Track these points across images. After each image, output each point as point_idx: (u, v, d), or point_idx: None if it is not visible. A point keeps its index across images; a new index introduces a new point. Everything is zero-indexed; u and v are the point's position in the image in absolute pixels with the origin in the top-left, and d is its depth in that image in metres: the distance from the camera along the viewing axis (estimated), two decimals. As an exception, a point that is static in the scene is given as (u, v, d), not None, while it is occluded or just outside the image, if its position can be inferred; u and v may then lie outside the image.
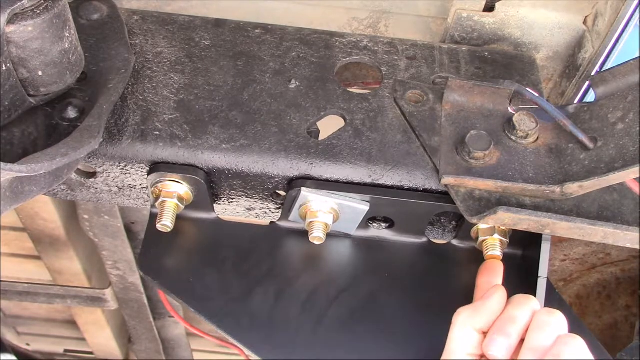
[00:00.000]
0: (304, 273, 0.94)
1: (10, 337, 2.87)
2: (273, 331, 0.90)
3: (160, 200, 0.89)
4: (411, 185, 0.90)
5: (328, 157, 0.89)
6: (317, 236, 0.89)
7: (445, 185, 0.88)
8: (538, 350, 0.71)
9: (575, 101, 1.17)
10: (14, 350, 2.78)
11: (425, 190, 0.90)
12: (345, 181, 0.90)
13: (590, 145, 0.86)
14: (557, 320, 0.75)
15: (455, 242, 0.99)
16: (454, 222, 0.97)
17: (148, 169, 0.89)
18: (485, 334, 0.78)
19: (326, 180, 0.90)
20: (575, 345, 0.71)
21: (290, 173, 0.89)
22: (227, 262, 0.94)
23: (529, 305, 0.78)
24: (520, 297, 0.80)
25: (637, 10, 1.00)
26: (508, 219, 0.83)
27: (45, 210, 1.79)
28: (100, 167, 0.89)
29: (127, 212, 1.82)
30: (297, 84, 0.96)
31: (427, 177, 0.90)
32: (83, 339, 2.76)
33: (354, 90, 0.98)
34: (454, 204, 0.87)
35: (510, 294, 0.96)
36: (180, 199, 0.90)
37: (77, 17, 0.88)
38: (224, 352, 2.87)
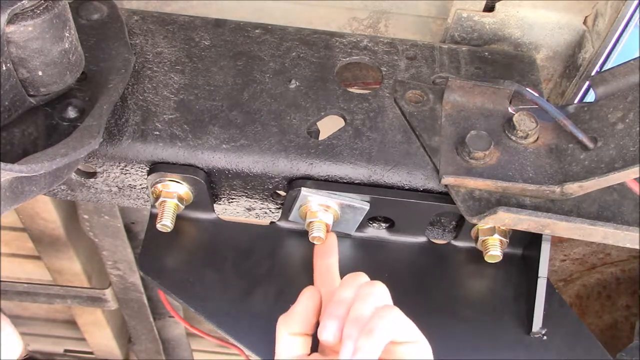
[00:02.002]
0: (304, 273, 0.94)
1: (10, 337, 2.86)
2: (273, 331, 0.90)
3: (160, 200, 0.89)
4: (411, 185, 0.90)
5: (328, 157, 0.89)
6: (317, 236, 0.89)
7: (445, 185, 0.88)
8: (359, 320, 0.73)
9: (575, 101, 1.17)
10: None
11: (425, 190, 0.90)
12: (345, 181, 0.90)
13: (590, 145, 0.86)
14: (377, 290, 0.77)
15: (455, 242, 0.99)
16: (454, 222, 0.97)
17: (148, 169, 0.89)
18: (306, 334, 0.80)
19: (326, 180, 0.90)
20: (389, 317, 0.73)
21: (290, 173, 0.89)
22: (227, 262, 0.94)
23: (356, 282, 0.79)
24: (347, 278, 0.81)
25: (637, 10, 1.00)
26: (508, 219, 0.83)
27: (45, 210, 1.79)
28: (100, 167, 0.89)
29: (127, 212, 1.82)
30: (297, 84, 0.96)
31: (427, 177, 0.90)
32: (83, 339, 2.76)
33: (354, 90, 0.98)
34: (454, 204, 0.87)
35: (509, 295, 0.96)
36: (180, 199, 0.90)
37: (77, 17, 0.88)
38: (224, 352, 2.87)
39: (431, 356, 0.77)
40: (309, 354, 0.81)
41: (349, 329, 0.73)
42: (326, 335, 0.75)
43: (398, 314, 0.75)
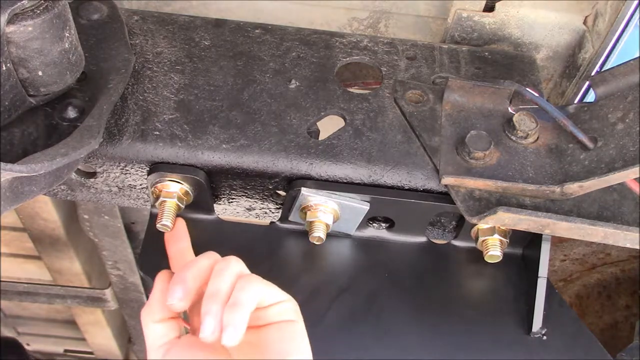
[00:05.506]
0: (304, 273, 0.94)
1: (10, 337, 2.87)
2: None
3: (160, 200, 0.89)
4: (411, 185, 0.90)
5: (328, 157, 0.89)
6: (317, 236, 0.89)
7: (445, 185, 0.88)
8: (216, 294, 0.72)
9: (575, 101, 1.17)
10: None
11: (425, 190, 0.90)
12: (345, 181, 0.90)
13: (590, 145, 0.86)
14: (231, 264, 0.76)
15: (455, 242, 0.99)
16: (454, 222, 0.97)
17: (148, 169, 0.89)
18: (171, 317, 0.80)
19: (326, 180, 0.90)
20: (249, 286, 0.73)
21: (290, 173, 0.89)
22: (227, 262, 0.94)
23: (207, 263, 0.78)
24: (200, 260, 0.79)
25: (637, 10, 1.00)
26: (508, 219, 0.83)
27: (45, 210, 1.79)
28: (100, 167, 0.89)
29: (127, 212, 1.82)
30: (297, 84, 0.96)
31: (427, 177, 0.90)
32: (83, 339, 2.76)
33: (354, 90, 0.98)
34: (454, 204, 0.87)
35: (509, 295, 0.96)
36: (180, 199, 0.90)
37: (77, 17, 0.88)
38: (224, 352, 2.86)
39: (299, 312, 0.76)
40: (179, 337, 0.80)
41: (208, 305, 0.72)
42: (204, 334, 0.72)
43: (257, 280, 0.74)
